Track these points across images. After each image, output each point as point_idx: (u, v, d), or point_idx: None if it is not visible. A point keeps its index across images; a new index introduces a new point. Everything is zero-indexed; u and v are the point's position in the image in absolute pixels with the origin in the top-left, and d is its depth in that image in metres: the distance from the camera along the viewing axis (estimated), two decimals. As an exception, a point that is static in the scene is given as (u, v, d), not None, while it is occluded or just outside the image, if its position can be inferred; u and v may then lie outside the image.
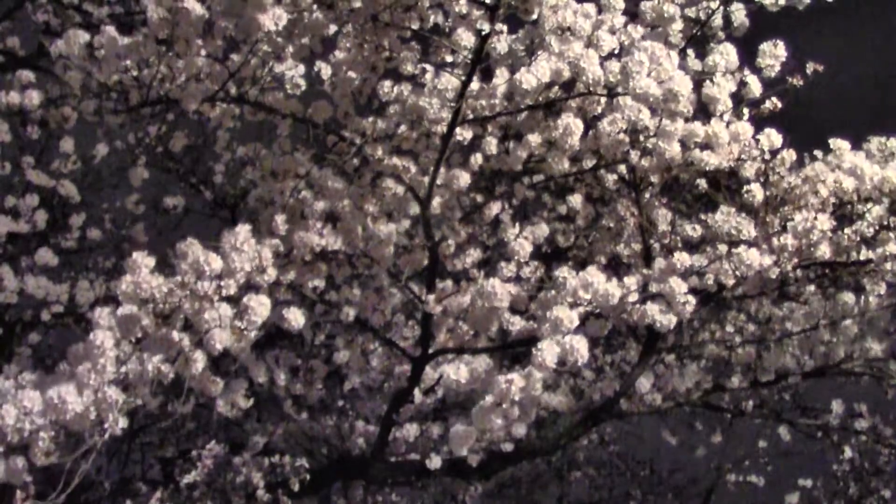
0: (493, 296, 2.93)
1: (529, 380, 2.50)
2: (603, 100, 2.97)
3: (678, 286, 2.82)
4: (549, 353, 2.47)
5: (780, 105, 3.16)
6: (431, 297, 3.56)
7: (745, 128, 3.03)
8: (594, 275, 2.68)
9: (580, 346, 2.49)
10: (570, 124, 2.86)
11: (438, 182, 3.42)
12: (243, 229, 2.52)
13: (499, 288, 2.92)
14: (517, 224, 3.62)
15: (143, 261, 2.28)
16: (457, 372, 2.64)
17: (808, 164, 3.14)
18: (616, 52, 2.85)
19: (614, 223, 4.51)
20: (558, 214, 5.24)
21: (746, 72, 3.01)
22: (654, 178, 4.09)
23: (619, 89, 2.82)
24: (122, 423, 2.23)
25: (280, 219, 3.34)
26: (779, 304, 5.57)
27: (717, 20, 3.32)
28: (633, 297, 2.89)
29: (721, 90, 2.89)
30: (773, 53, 3.09)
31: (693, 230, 3.73)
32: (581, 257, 4.92)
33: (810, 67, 3.07)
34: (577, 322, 2.56)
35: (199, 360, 2.32)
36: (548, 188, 5.33)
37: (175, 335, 2.26)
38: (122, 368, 2.22)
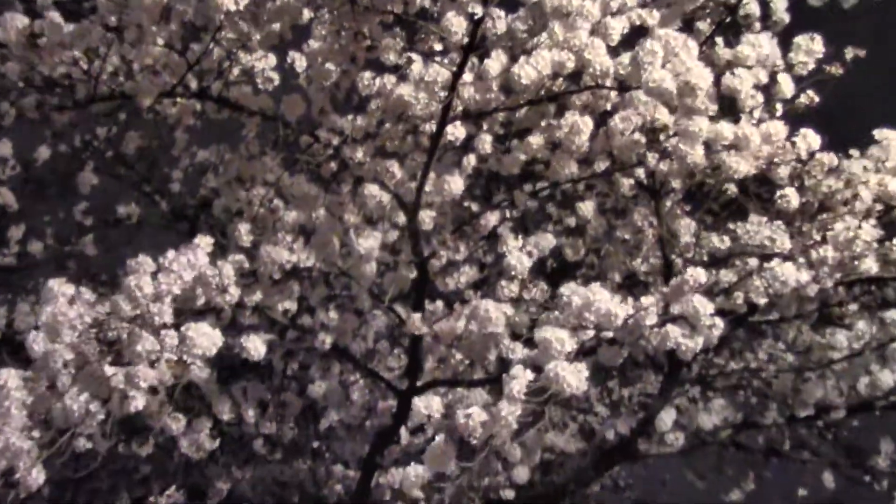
0: (487, 320, 2.90)
1: (498, 415, 2.39)
2: (613, 94, 2.96)
3: (703, 306, 2.79)
4: (519, 381, 2.39)
5: (816, 99, 3.15)
6: (417, 316, 3.53)
7: (778, 127, 3.01)
8: (597, 292, 2.64)
9: (568, 375, 2.40)
10: (577, 122, 2.85)
11: (427, 188, 3.39)
12: (203, 241, 2.51)
13: (492, 310, 2.88)
14: (518, 237, 3.59)
15: (61, 289, 2.27)
16: (428, 405, 2.56)
17: (848, 163, 3.13)
18: (628, 38, 2.85)
19: (630, 235, 4.50)
20: (566, 227, 5.24)
21: (780, 64, 3.00)
22: (675, 184, 4.08)
23: (632, 83, 2.81)
24: (39, 475, 2.20)
25: (244, 230, 3.31)
26: (820, 329, 5.55)
27: (752, 6, 3.31)
28: (652, 320, 2.86)
29: (742, 82, 2.87)
30: (809, 48, 3.08)
31: (720, 242, 3.72)
32: (592, 275, 4.92)
33: (849, 53, 3.07)
34: (570, 346, 2.50)
35: (138, 398, 2.29)
36: (553, 196, 5.33)
37: (107, 370, 2.24)
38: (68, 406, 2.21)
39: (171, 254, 2.39)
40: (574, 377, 2.43)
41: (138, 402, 2.32)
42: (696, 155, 2.90)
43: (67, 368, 2.25)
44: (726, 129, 2.93)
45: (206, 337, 2.31)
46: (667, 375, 4.32)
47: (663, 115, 2.82)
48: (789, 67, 3.05)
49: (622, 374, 6.09)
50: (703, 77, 2.71)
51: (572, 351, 2.55)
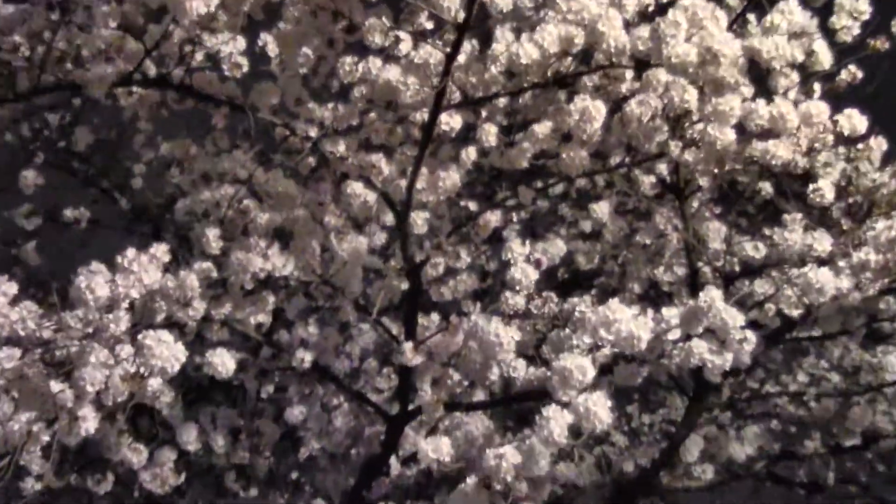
0: (494, 344, 2.89)
1: (530, 456, 2.40)
2: (629, 75, 2.96)
3: (732, 318, 2.77)
4: (558, 423, 2.38)
5: (860, 75, 3.15)
6: (409, 347, 3.53)
7: (819, 107, 2.99)
8: (617, 310, 2.63)
9: (599, 409, 2.39)
10: (589, 107, 2.85)
11: (420, 185, 3.40)
12: (160, 250, 2.51)
13: (502, 333, 2.88)
14: (525, 242, 3.58)
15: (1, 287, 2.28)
16: (437, 448, 2.56)
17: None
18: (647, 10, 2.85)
19: (652, 240, 4.51)
20: (580, 231, 5.25)
21: (815, 35, 3.00)
22: (702, 181, 4.08)
23: (652, 60, 2.81)
24: None
25: (212, 234, 3.31)
26: (869, 347, 5.56)
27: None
28: (675, 334, 2.85)
29: (778, 46, 2.86)
30: (854, 9, 3.08)
31: (755, 249, 3.72)
32: (609, 285, 4.92)
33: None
34: (592, 373, 2.50)
35: (89, 419, 2.29)
36: (567, 196, 5.35)
37: (52, 385, 2.23)
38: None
39: (130, 252, 2.38)
40: (604, 411, 2.43)
41: (89, 424, 2.31)
42: (727, 139, 2.89)
43: (5, 382, 2.24)
44: (760, 107, 2.93)
45: (167, 347, 2.30)
46: (693, 399, 4.31)
47: (692, 98, 2.81)
48: (830, 33, 3.05)
49: (643, 398, 6.11)
50: (728, 44, 2.70)
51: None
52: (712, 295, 2.73)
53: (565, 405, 2.44)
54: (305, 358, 3.99)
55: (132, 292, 2.33)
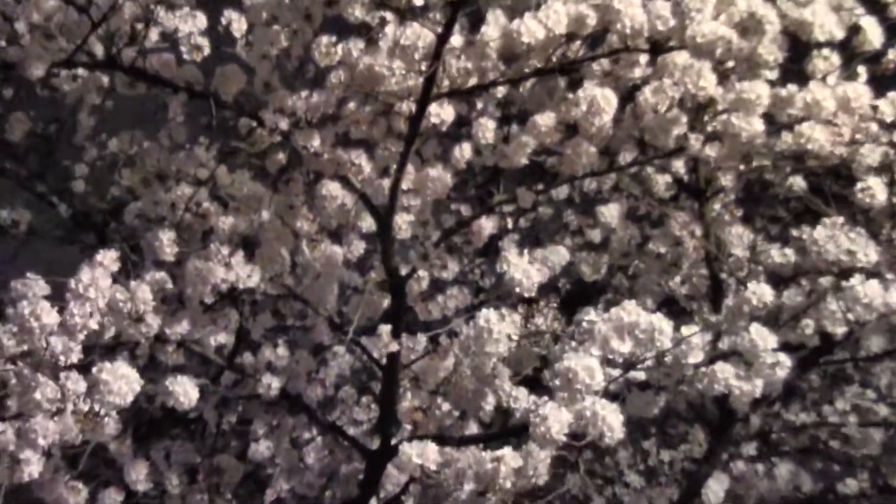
0: (485, 337, 2.88)
1: (528, 460, 2.43)
2: (644, 59, 2.97)
3: (762, 338, 2.78)
4: (555, 419, 2.40)
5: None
6: (386, 330, 3.52)
7: (857, 91, 3.01)
8: (633, 311, 2.64)
9: (609, 415, 2.41)
10: (597, 97, 2.86)
11: (405, 186, 3.41)
12: (108, 257, 2.50)
13: (494, 320, 2.88)
14: (524, 252, 3.58)
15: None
16: (422, 452, 2.58)
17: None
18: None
19: (667, 248, 4.52)
20: (586, 241, 5.26)
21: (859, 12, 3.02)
22: (725, 180, 4.10)
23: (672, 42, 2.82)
24: None
25: (167, 239, 3.31)
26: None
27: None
28: (696, 357, 2.86)
29: (815, 13, 2.86)
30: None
31: (782, 256, 3.73)
32: (618, 300, 4.92)
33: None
34: (601, 377, 2.51)
35: (33, 463, 2.28)
36: (571, 201, 5.36)
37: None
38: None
39: (85, 275, 2.37)
40: (615, 419, 2.44)
41: (33, 468, 2.31)
42: (753, 130, 2.90)
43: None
44: (793, 93, 2.93)
45: (125, 381, 2.30)
46: (717, 432, 4.32)
47: (710, 84, 2.82)
48: (875, 7, 3.06)
49: (660, 432, 6.10)
50: (769, 16, 2.72)
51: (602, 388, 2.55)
52: (762, 289, 2.81)
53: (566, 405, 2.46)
54: (273, 384, 3.97)
55: (91, 323, 2.32)
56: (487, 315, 2.91)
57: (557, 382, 2.55)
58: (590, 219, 5.38)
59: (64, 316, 2.33)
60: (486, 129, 3.37)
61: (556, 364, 2.58)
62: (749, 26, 2.72)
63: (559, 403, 2.47)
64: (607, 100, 2.93)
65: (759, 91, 2.86)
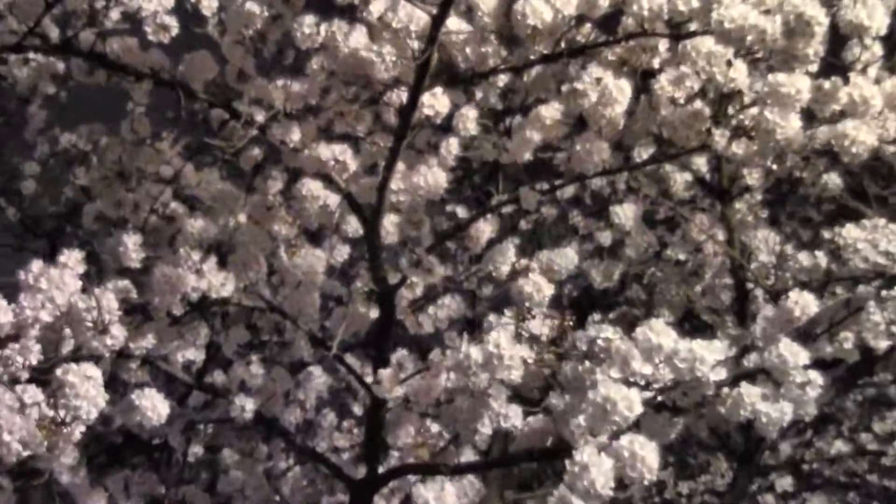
0: (498, 363, 2.88)
1: None
2: (664, 46, 2.97)
3: (792, 354, 2.78)
4: (598, 470, 2.38)
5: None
6: (387, 375, 3.52)
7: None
8: (661, 331, 2.63)
9: (647, 453, 2.41)
10: (610, 87, 2.86)
11: (394, 185, 3.41)
12: (72, 258, 2.50)
13: (504, 344, 2.87)
14: (530, 257, 3.58)
15: None
16: (440, 497, 2.57)
17: None
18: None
19: (687, 254, 4.53)
20: (596, 246, 5.27)
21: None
22: (750, 179, 4.11)
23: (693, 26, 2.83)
24: None
25: (133, 244, 3.31)
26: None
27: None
28: (718, 375, 2.86)
29: (869, 16, 2.87)
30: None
31: (810, 259, 3.72)
32: (631, 313, 4.94)
33: None
34: (639, 408, 2.52)
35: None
36: (579, 200, 5.37)
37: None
38: None
39: (35, 265, 2.37)
40: (653, 457, 2.44)
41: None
42: (790, 129, 2.90)
43: None
44: (837, 87, 2.94)
45: (94, 385, 2.29)
46: (742, 462, 4.34)
47: (740, 74, 2.83)
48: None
49: (679, 461, 6.11)
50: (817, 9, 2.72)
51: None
52: (805, 298, 2.78)
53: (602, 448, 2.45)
54: (246, 406, 3.97)
55: (42, 315, 2.32)
56: (497, 339, 2.90)
57: (589, 410, 2.55)
58: (600, 221, 5.40)
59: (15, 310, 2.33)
60: (468, 119, 3.35)
61: (590, 393, 2.57)
62: (797, 28, 2.72)
63: (589, 439, 2.48)
64: (621, 90, 2.93)
65: (798, 85, 2.85)
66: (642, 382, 2.65)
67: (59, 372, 2.26)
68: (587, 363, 2.85)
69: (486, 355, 2.88)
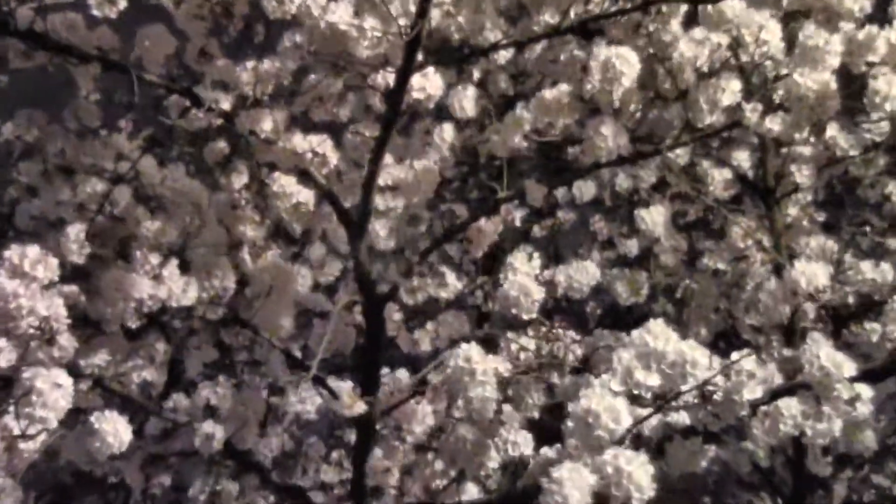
0: (470, 379, 2.91)
1: None
2: (681, 13, 2.99)
3: (837, 365, 2.79)
4: (573, 486, 2.41)
5: None
6: (347, 389, 3.55)
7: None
8: (661, 333, 2.67)
9: (636, 469, 2.43)
10: (612, 59, 2.86)
11: (382, 181, 3.46)
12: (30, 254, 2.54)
13: (476, 358, 2.90)
14: (534, 260, 3.59)
15: None
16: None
17: None
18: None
19: (727, 263, 4.53)
20: (620, 254, 5.28)
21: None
22: (800, 176, 4.11)
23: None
24: None
25: (74, 234, 3.35)
26: None
27: None
28: (754, 392, 2.88)
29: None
30: None
31: (876, 271, 3.73)
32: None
33: None
34: (628, 421, 2.55)
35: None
36: (600, 201, 5.38)
37: None
38: None
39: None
40: (643, 474, 2.44)
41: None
42: (823, 84, 2.90)
43: None
44: (873, 36, 2.97)
45: (63, 395, 2.32)
46: (791, 502, 4.35)
47: (774, 37, 2.85)
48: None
49: (716, 501, 6.10)
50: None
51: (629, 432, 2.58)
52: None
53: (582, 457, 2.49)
54: (215, 436, 4.00)
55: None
56: (468, 352, 2.94)
57: (571, 426, 2.58)
58: (624, 226, 5.41)
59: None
60: (465, 98, 3.40)
61: (570, 404, 2.60)
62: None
63: (574, 456, 2.51)
64: (625, 60, 2.96)
65: (824, 36, 2.87)
66: (648, 395, 2.66)
67: (25, 375, 2.28)
68: (588, 376, 2.87)
69: (456, 371, 2.93)
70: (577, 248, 5.55)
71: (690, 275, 4.80)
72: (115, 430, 2.62)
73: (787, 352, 4.00)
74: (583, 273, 3.56)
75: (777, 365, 2.93)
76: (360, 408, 3.57)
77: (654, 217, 4.25)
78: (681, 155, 4.32)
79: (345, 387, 3.59)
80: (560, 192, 5.39)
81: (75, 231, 3.37)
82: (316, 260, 4.45)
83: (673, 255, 4.76)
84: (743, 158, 4.39)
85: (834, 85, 2.96)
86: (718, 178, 4.39)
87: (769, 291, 3.31)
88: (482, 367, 2.92)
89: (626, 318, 5.31)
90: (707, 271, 4.59)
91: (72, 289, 3.25)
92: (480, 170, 5.15)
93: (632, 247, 5.27)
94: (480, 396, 2.93)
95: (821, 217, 4.54)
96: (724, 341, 4.77)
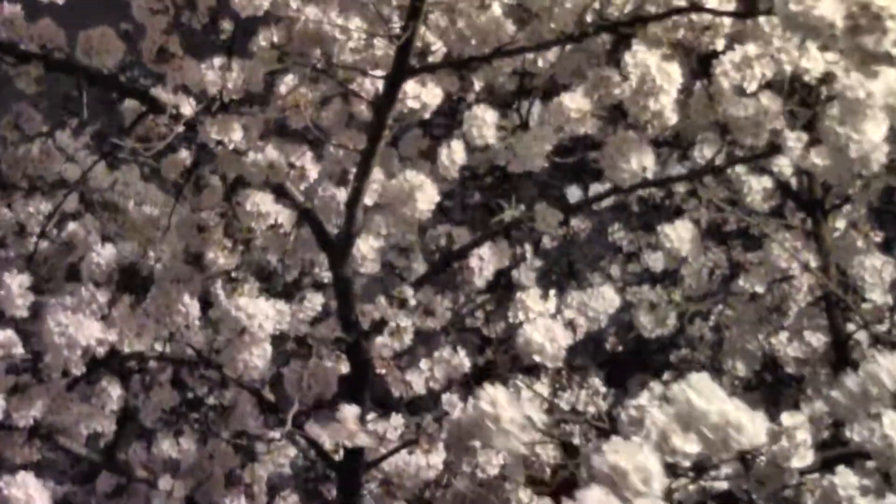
0: (494, 426, 2.86)
1: None
2: (726, 23, 2.97)
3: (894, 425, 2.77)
4: None
5: None
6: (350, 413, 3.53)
7: None
8: (703, 387, 2.61)
9: None
10: (654, 71, 2.86)
11: (369, 199, 3.44)
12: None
13: (503, 405, 2.83)
14: (548, 293, 3.57)
15: None
16: None
17: None
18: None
19: (767, 285, 4.50)
20: (644, 271, 5.27)
21: None
22: (851, 188, 4.08)
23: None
24: None
25: (16, 286, 3.31)
26: None
27: None
28: (805, 459, 2.85)
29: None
30: None
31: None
32: (693, 364, 4.91)
33: None
34: (659, 483, 2.49)
35: None
36: (621, 206, 5.36)
37: None
38: None
39: None
40: None
41: None
42: (868, 142, 2.88)
43: None
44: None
45: None
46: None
47: (817, 65, 2.84)
48: None
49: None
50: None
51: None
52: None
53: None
54: (175, 492, 3.99)
55: None
56: (494, 395, 2.89)
57: (594, 486, 2.53)
58: (651, 234, 5.37)
59: None
60: (484, 123, 3.32)
61: (593, 458, 2.55)
62: (863, 23, 2.71)
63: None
64: (667, 75, 2.91)
65: (870, 86, 2.84)
66: (687, 464, 2.61)
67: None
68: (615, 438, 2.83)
69: (476, 415, 2.86)
70: (594, 261, 5.51)
71: (725, 298, 4.75)
72: (27, 497, 2.59)
73: (835, 393, 3.98)
74: (599, 300, 3.54)
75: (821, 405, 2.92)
76: (364, 440, 3.56)
77: (680, 233, 4.19)
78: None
79: (349, 412, 3.52)
80: (575, 194, 5.38)
81: (16, 282, 3.33)
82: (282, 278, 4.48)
83: (698, 277, 4.73)
84: (785, 164, 4.33)
85: (880, 135, 2.90)
86: (757, 187, 4.32)
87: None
88: (509, 413, 2.85)
89: (649, 345, 5.27)
90: (744, 295, 4.52)
91: (9, 334, 3.24)
92: (480, 178, 5.14)
93: (657, 260, 5.23)
94: (506, 448, 2.88)
95: (879, 236, 4.48)
96: (762, 378, 4.75)
